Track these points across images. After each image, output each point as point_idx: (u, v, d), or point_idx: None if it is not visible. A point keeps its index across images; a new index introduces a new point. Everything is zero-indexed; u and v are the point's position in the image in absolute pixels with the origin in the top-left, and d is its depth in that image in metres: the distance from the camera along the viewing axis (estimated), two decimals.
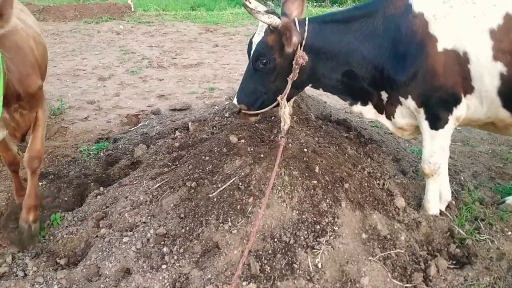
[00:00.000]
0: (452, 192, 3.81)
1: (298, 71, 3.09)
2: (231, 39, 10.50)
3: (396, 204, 3.35)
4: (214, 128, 4.09)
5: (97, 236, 3.18)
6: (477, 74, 2.96)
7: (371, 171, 3.57)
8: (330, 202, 3.03)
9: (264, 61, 3.16)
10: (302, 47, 3.12)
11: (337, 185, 3.18)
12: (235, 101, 3.35)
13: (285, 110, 3.14)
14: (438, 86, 3.04)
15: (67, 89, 7.13)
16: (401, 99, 3.22)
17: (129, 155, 4.44)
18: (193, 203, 3.13)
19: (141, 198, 3.40)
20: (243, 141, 3.44)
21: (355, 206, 3.09)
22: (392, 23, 3.11)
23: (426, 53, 2.98)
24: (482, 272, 3.10)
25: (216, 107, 4.91)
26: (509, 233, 3.47)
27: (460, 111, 3.13)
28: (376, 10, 3.19)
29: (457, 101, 3.09)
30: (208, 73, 7.99)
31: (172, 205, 3.21)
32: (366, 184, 3.38)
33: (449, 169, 4.35)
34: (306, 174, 3.15)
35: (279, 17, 3.08)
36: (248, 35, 10.75)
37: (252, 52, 3.24)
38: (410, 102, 3.18)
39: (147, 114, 6.01)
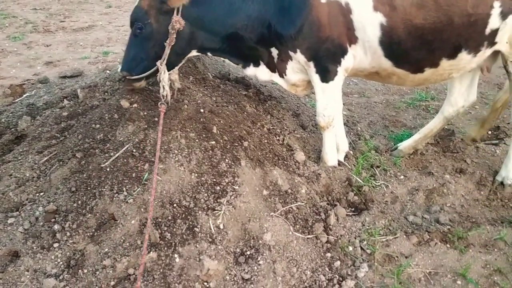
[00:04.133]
0: (350, 143, 3.95)
1: (175, 36, 3.00)
2: None
3: (296, 158, 3.39)
4: (106, 94, 3.80)
5: None
6: (359, 24, 3.03)
7: (271, 127, 3.56)
8: (230, 161, 2.97)
9: (140, 25, 3.07)
10: (180, 12, 3.00)
11: (236, 144, 3.12)
12: (119, 68, 3.25)
13: (164, 76, 3.03)
14: (324, 37, 3.07)
15: None
16: (291, 53, 3.22)
17: (12, 129, 4.03)
18: (85, 175, 2.91)
19: (27, 175, 3.12)
20: (135, 105, 3.23)
21: (255, 164, 3.07)
22: None
23: (310, 5, 3.00)
24: (378, 216, 3.27)
25: (108, 71, 4.59)
26: (402, 177, 3.69)
27: (348, 62, 3.20)
28: None
29: (344, 52, 3.15)
30: (101, 36, 7.47)
31: (61, 179, 2.97)
32: (266, 141, 3.36)
33: (347, 120, 4.51)
34: (204, 135, 3.05)
35: None
36: None
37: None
38: (299, 56, 3.19)
39: (33, 84, 5.48)
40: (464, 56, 3.15)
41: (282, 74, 3.42)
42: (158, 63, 3.03)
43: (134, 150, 2.92)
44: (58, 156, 3.16)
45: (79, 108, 3.72)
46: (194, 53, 3.32)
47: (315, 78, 3.27)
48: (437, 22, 2.96)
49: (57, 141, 3.37)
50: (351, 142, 4.02)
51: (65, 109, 3.78)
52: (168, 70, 3.10)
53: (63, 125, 3.55)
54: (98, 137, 3.12)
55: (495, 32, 3.06)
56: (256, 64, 3.41)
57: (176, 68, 3.28)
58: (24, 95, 5.07)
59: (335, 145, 3.56)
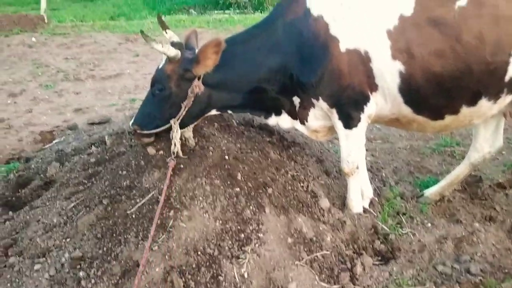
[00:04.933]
0: (375, 189, 3.90)
1: (192, 100, 3.13)
2: (152, 48, 10.21)
3: (320, 205, 3.36)
4: (133, 140, 3.90)
5: (5, 266, 2.92)
6: (379, 72, 3.06)
7: (295, 174, 3.56)
8: (254, 208, 2.97)
9: (160, 87, 3.21)
10: (201, 78, 3.15)
11: (261, 191, 3.13)
12: (131, 121, 3.34)
13: (177, 134, 3.13)
14: (345, 85, 3.11)
15: None
16: (313, 101, 3.27)
17: (42, 175, 4.13)
18: (111, 222, 2.95)
19: (55, 220, 3.17)
20: (161, 152, 3.29)
21: (280, 211, 3.06)
22: (294, 28, 3.18)
23: (330, 54, 3.06)
24: (405, 265, 3.18)
25: None
26: (429, 225, 3.60)
27: (371, 109, 3.21)
28: (274, 20, 3.28)
29: (366, 99, 3.17)
30: (128, 84, 7.72)
31: (88, 225, 3.01)
32: (290, 188, 3.36)
33: (370, 166, 4.48)
34: (228, 182, 3.08)
35: (181, 49, 3.18)
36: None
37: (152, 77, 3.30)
38: (322, 104, 3.24)
39: (62, 130, 5.67)
40: (484, 103, 3.11)
41: (303, 121, 3.46)
42: (172, 121, 3.13)
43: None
44: (85, 202, 3.21)
45: (106, 154, 3.80)
46: (213, 112, 3.44)
47: (339, 125, 3.29)
48: (455, 70, 2.95)
49: (84, 187, 3.43)
50: (376, 189, 3.97)
51: (93, 156, 3.87)
52: (182, 128, 3.21)
53: (90, 171, 3.63)
54: (124, 183, 3.17)
55: None
56: (278, 113, 3.48)
57: (191, 127, 3.38)
58: (54, 141, 5.23)
59: (360, 192, 3.53)
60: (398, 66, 2.99)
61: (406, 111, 3.20)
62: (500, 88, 3.07)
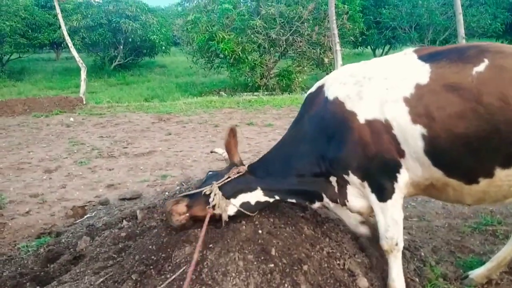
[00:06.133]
0: (415, 269, 3.69)
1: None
2: (184, 127, 10.50)
3: (358, 284, 3.16)
4: (164, 215, 3.86)
5: None
6: (402, 138, 3.05)
7: (330, 251, 3.40)
8: (289, 286, 2.81)
9: None
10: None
11: (296, 268, 2.98)
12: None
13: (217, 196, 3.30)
14: (372, 154, 3.10)
15: (9, 183, 6.74)
16: (345, 176, 3.25)
17: (71, 249, 4.09)
18: None
19: None
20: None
21: None
22: (317, 117, 3.35)
23: (350, 127, 3.13)
24: None
25: (167, 193, 4.71)
26: None
27: (403, 177, 3.14)
28: (302, 117, 3.52)
29: (396, 166, 3.12)
30: (160, 161, 7.84)
31: None
32: (326, 265, 3.19)
33: (408, 245, 4.27)
34: (262, 258, 2.95)
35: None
36: (201, 123, 10.83)
37: None
38: (352, 177, 3.21)
39: (94, 205, 5.70)
40: None
41: (344, 202, 3.41)
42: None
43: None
44: (114, 277, 3.12)
45: (137, 229, 3.77)
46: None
47: (372, 198, 3.21)
48: (480, 130, 2.87)
49: (114, 261, 3.36)
50: (416, 269, 3.75)
51: (124, 230, 3.84)
52: None
53: (120, 245, 3.57)
54: (154, 258, 3.09)
55: None
56: (320, 199, 3.53)
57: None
58: (85, 216, 5.24)
59: (402, 271, 3.33)
60: (419, 130, 2.98)
61: (438, 174, 3.10)
62: None
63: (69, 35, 16.91)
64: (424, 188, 3.27)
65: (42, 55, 30.76)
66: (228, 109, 12.22)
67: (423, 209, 5.48)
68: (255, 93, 17.31)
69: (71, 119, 11.19)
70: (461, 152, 2.98)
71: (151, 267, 3.03)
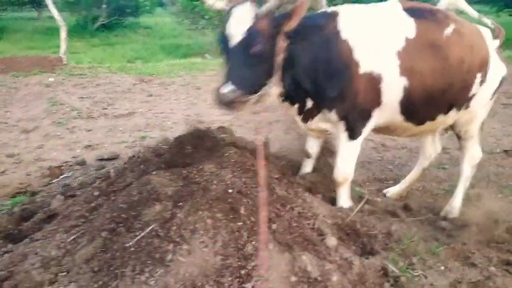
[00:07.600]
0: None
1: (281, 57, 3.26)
2: (166, 89, 10.35)
3: (327, 243, 3.22)
4: (137, 174, 3.85)
5: None
6: (386, 90, 3.47)
7: (301, 210, 3.44)
8: (256, 244, 2.85)
9: (255, 44, 3.12)
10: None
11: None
12: (225, 89, 3.14)
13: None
14: (358, 104, 3.46)
15: None
16: (326, 110, 3.56)
17: (45, 209, 4.08)
18: (109, 255, 2.85)
19: (53, 253, 3.07)
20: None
21: (284, 248, 2.93)
22: (326, 42, 3.45)
23: (351, 76, 3.39)
24: None
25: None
26: (442, 268, 3.44)
27: (372, 122, 3.61)
28: (315, 28, 3.51)
29: (370, 115, 3.56)
30: (140, 122, 7.76)
31: (85, 258, 2.91)
32: (295, 224, 3.24)
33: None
34: (231, 216, 2.97)
35: None
36: (183, 85, 10.69)
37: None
38: (332, 115, 3.54)
39: (71, 165, 5.66)
40: (452, 113, 3.85)
41: (307, 120, 3.75)
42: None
43: (160, 230, 2.86)
44: (85, 235, 3.13)
45: (109, 187, 3.76)
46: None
47: (342, 136, 3.62)
48: (442, 85, 3.57)
49: (85, 220, 3.36)
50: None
51: (96, 189, 3.83)
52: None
53: (93, 204, 3.57)
54: (124, 216, 3.09)
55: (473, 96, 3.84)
56: (292, 104, 3.71)
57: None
58: (61, 176, 5.21)
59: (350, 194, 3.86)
60: (404, 82, 3.46)
61: (399, 119, 3.67)
62: (464, 102, 3.84)
63: None
64: (379, 129, 3.86)
65: (23, 14, 29.74)
66: (211, 72, 12.04)
67: (400, 172, 5.56)
68: None
69: (51, 79, 10.92)
70: (424, 102, 3.60)
71: (121, 225, 3.04)
